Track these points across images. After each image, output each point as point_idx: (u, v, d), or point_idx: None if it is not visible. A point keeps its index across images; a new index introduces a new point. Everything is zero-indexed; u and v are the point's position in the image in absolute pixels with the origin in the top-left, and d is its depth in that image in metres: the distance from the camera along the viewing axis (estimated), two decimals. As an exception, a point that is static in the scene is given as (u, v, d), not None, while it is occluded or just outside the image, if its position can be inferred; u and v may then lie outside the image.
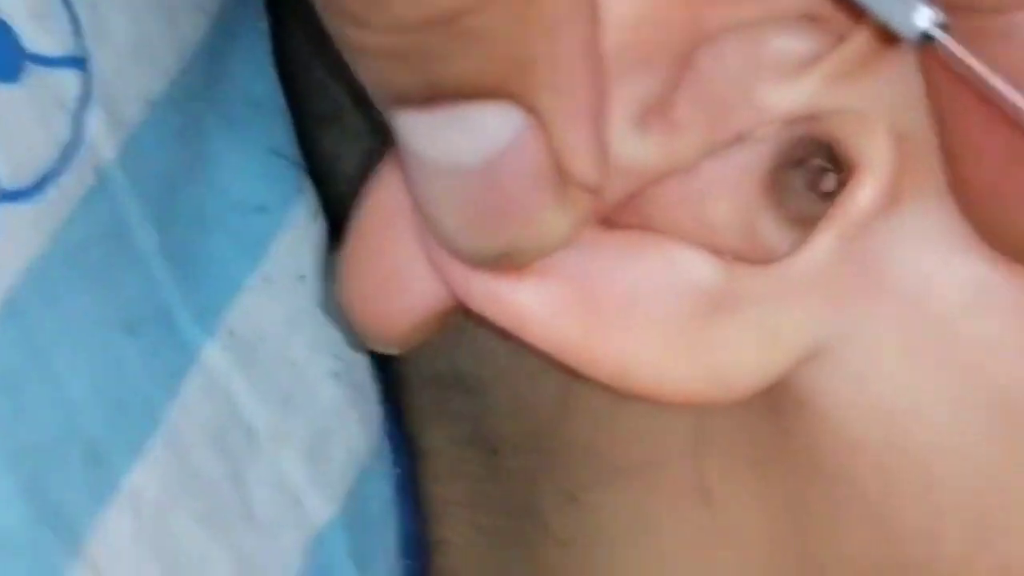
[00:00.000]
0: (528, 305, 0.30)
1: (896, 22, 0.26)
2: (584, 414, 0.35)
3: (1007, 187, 0.29)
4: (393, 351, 0.33)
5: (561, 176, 0.28)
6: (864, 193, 0.30)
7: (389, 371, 0.40)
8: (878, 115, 0.30)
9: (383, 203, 0.31)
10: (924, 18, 0.26)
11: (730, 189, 0.31)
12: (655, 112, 0.30)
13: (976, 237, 0.30)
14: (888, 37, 0.29)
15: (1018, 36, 0.27)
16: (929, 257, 0.31)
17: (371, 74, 0.28)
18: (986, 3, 0.27)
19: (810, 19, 0.30)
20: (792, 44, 0.30)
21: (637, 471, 0.35)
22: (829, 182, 0.31)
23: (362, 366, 0.39)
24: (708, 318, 0.31)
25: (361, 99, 0.30)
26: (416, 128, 0.28)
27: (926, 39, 0.26)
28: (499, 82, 0.27)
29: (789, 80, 0.30)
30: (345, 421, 0.38)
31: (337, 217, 0.38)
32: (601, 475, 0.35)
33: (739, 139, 0.30)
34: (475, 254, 0.30)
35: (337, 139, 0.38)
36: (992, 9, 0.27)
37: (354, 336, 0.34)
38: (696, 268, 0.31)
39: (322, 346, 0.38)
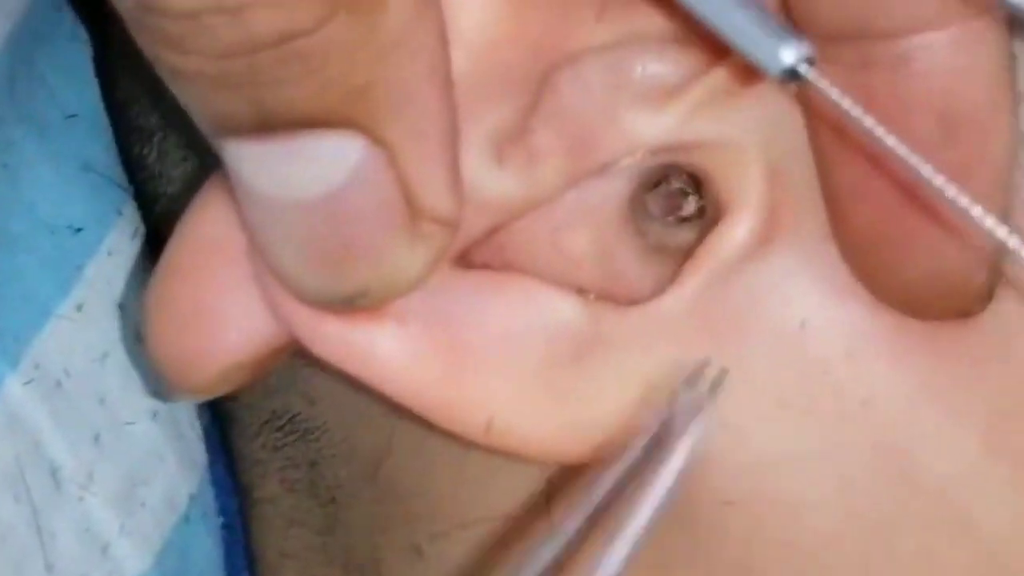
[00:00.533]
0: (384, 352, 0.28)
1: (761, 58, 0.24)
2: (430, 462, 0.33)
3: (890, 232, 0.27)
4: (193, 399, 0.30)
5: (412, 210, 0.26)
6: (736, 232, 0.28)
7: (218, 411, 0.37)
8: (752, 147, 0.28)
9: (200, 233, 0.29)
10: (790, 54, 0.24)
11: (588, 219, 0.29)
12: (513, 141, 0.28)
13: (856, 286, 0.29)
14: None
15: (915, 61, 0.26)
16: (805, 300, 0.29)
17: (194, 101, 0.25)
18: (877, 29, 0.25)
19: (677, 41, 0.28)
20: (658, 68, 0.28)
21: (486, 523, 0.33)
22: (689, 206, 0.29)
23: (185, 405, 0.36)
24: (572, 365, 0.29)
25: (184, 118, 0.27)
26: (248, 159, 0.26)
27: (793, 76, 0.24)
28: (337, 109, 0.25)
29: (655, 107, 0.28)
30: (163, 464, 0.35)
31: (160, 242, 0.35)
32: (448, 527, 0.33)
33: (603, 169, 0.28)
34: (321, 296, 0.27)
35: (162, 156, 0.36)
36: (884, 35, 0.25)
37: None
38: (558, 310, 0.29)
39: (138, 382, 0.35)
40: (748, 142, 0.28)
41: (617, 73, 0.28)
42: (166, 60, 0.24)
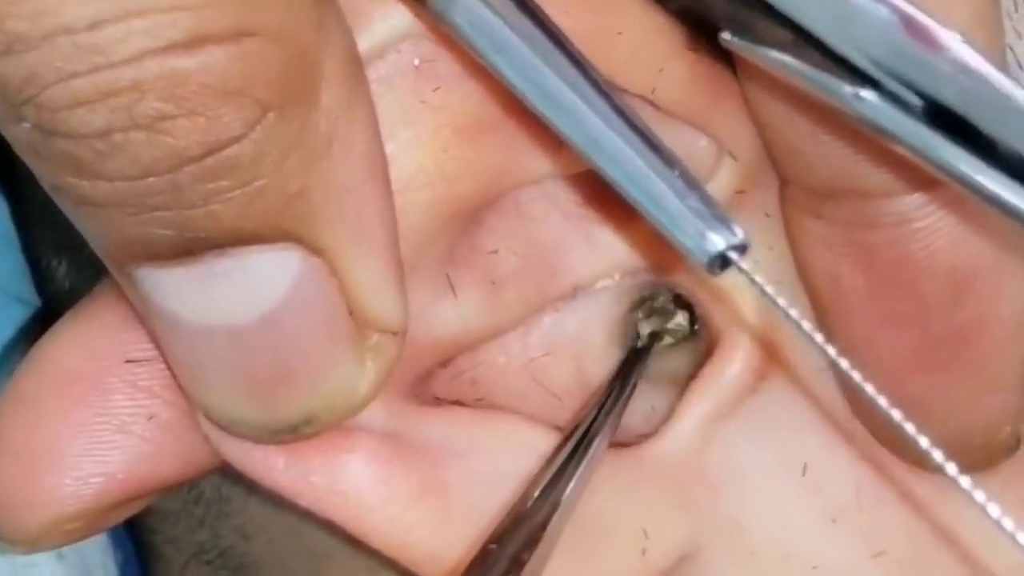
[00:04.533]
0: (354, 491, 0.26)
1: (688, 244, 0.21)
2: None
3: (907, 391, 0.25)
4: (24, 551, 0.27)
5: (356, 321, 0.24)
6: (732, 366, 0.27)
7: (139, 546, 0.35)
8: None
9: (48, 363, 0.26)
10: (719, 240, 0.21)
11: (568, 348, 0.27)
12: (469, 266, 0.26)
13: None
14: (750, 188, 0.26)
15: (916, 219, 0.24)
16: (806, 441, 0.27)
17: (101, 229, 0.23)
18: (874, 188, 0.24)
19: None
20: None
21: None
22: (678, 327, 0.28)
23: (95, 543, 0.33)
24: None
25: None
26: (167, 285, 0.23)
27: (724, 264, 0.21)
28: (271, 221, 0.22)
29: (630, 227, 0.26)
30: None
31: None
32: None
33: (575, 293, 0.27)
34: (259, 428, 0.25)
35: (74, 270, 0.34)
36: (882, 194, 0.24)
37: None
38: (544, 451, 0.27)
39: None
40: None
41: (587, 190, 0.26)
42: (70, 189, 0.22)
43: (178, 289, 0.23)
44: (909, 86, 0.20)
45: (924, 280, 0.24)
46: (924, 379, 0.25)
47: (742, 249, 0.21)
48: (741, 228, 0.21)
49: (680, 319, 0.28)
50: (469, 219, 0.26)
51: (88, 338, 0.26)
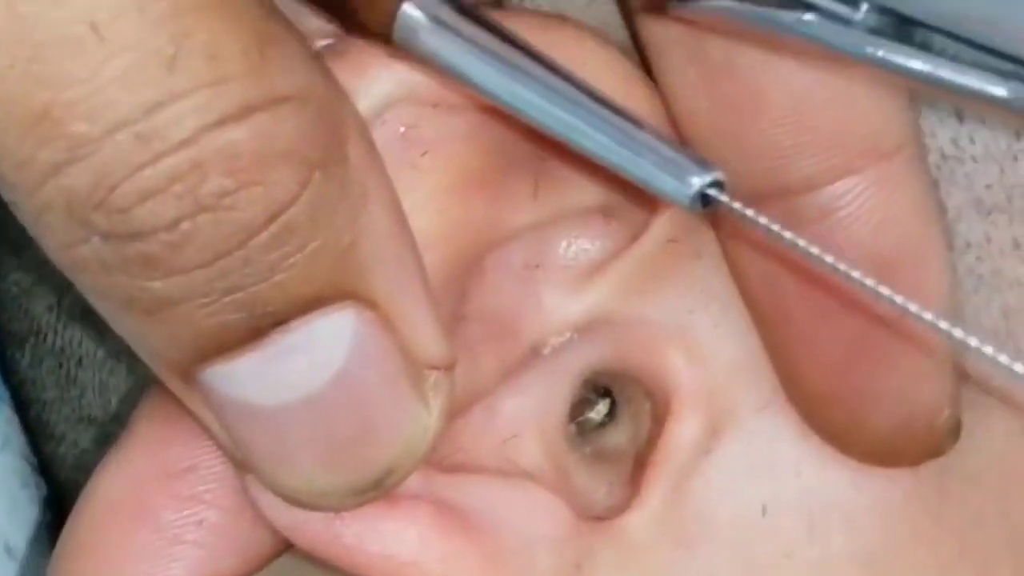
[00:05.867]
0: (417, 560, 0.26)
1: (668, 188, 0.23)
2: None
3: (851, 382, 0.26)
4: None
5: (415, 365, 0.25)
6: (683, 432, 0.27)
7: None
8: (675, 328, 0.27)
9: (103, 499, 0.27)
10: (699, 180, 0.23)
11: (536, 428, 0.28)
12: (451, 334, 0.26)
13: (806, 453, 0.28)
14: (682, 236, 0.27)
15: (838, 209, 0.25)
16: (762, 485, 0.28)
17: (172, 330, 0.23)
18: (794, 184, 0.25)
19: (604, 214, 0.27)
20: (584, 245, 0.27)
21: None
22: (599, 409, 0.28)
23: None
24: None
25: None
26: (240, 375, 0.24)
27: (705, 203, 0.23)
28: (329, 280, 0.23)
29: (577, 284, 0.27)
30: None
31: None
32: None
33: (533, 353, 0.27)
34: (348, 491, 0.25)
35: (33, 362, 0.34)
36: (803, 189, 0.25)
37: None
38: (555, 521, 0.27)
39: None
40: (671, 322, 0.27)
41: (540, 253, 0.27)
42: (145, 294, 0.23)
43: (250, 376, 0.24)
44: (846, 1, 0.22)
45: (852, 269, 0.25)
46: (863, 369, 0.26)
47: (720, 186, 0.23)
48: (716, 166, 0.23)
49: (601, 407, 0.29)
50: (454, 285, 0.27)
51: (131, 465, 0.27)
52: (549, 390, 0.28)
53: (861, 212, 0.25)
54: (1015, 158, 0.26)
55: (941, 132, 0.26)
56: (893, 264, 0.25)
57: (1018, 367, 0.21)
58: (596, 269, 0.27)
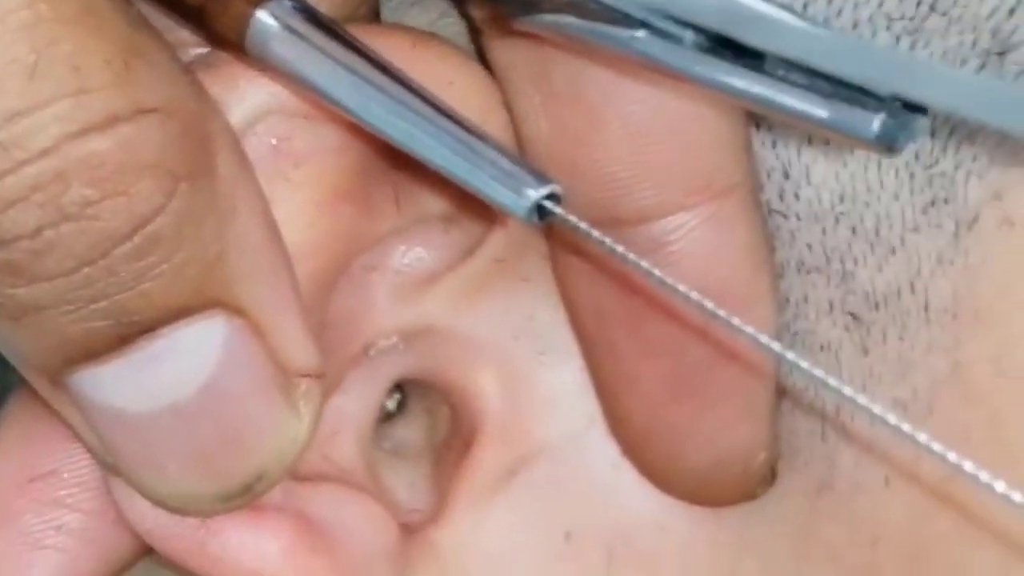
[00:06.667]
0: (274, 571, 0.27)
1: (505, 200, 0.23)
2: None
3: (666, 421, 0.27)
4: None
5: (285, 373, 0.25)
6: (485, 458, 0.28)
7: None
8: (491, 349, 0.28)
9: None
10: (535, 193, 0.23)
11: (352, 429, 0.28)
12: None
13: (617, 484, 0.28)
14: (512, 258, 0.27)
15: (669, 243, 0.25)
16: (566, 513, 0.28)
17: (37, 335, 0.24)
18: (627, 215, 0.25)
19: (445, 223, 0.28)
20: (418, 253, 0.28)
21: None
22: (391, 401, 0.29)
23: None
24: None
25: None
26: (107, 380, 0.24)
27: (542, 217, 0.23)
28: (197, 289, 0.24)
29: (410, 292, 0.28)
30: None
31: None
32: None
33: (364, 353, 0.28)
34: (217, 497, 0.26)
35: None
36: (636, 221, 0.25)
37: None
38: (387, 534, 0.28)
39: None
40: (493, 345, 0.28)
41: (378, 257, 0.27)
42: (9, 300, 0.23)
43: (117, 381, 0.24)
44: (674, 21, 0.22)
45: (676, 305, 0.26)
46: (681, 407, 0.27)
47: (557, 199, 0.23)
48: (554, 180, 0.23)
49: (390, 403, 0.29)
50: (328, 292, 0.27)
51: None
52: (367, 391, 0.28)
53: (692, 248, 0.25)
54: (836, 220, 0.26)
55: (768, 186, 0.27)
56: (720, 302, 0.25)
57: (837, 383, 0.21)
58: (428, 279, 0.28)
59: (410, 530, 0.28)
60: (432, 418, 0.29)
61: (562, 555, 0.28)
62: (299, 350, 0.25)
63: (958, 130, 0.25)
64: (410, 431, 0.29)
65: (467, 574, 0.28)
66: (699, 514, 0.28)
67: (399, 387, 0.29)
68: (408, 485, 0.28)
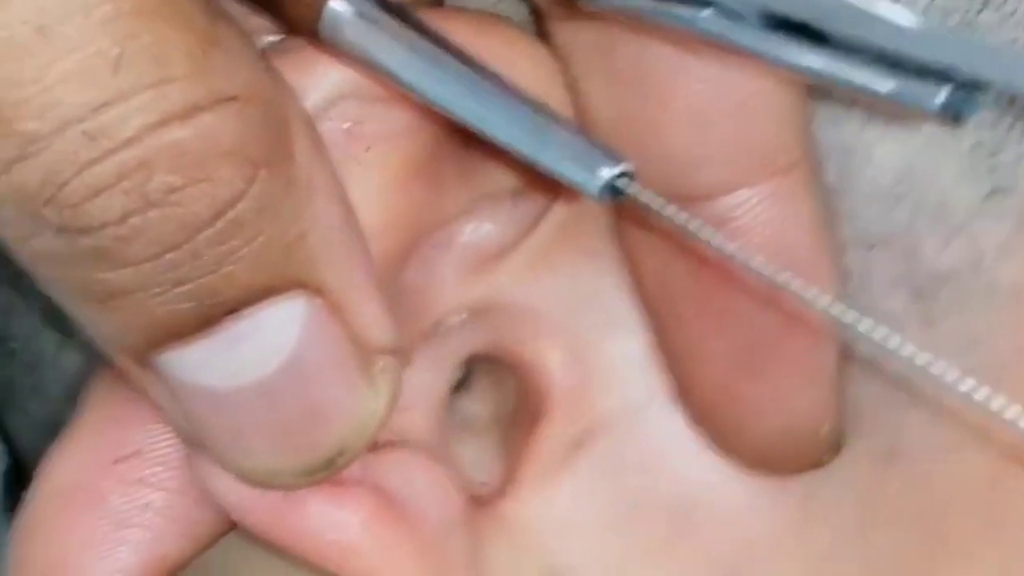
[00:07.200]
0: (360, 547, 0.27)
1: (578, 178, 0.24)
2: None
3: (738, 389, 0.27)
4: None
5: (364, 350, 0.26)
6: (557, 430, 0.29)
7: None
8: (559, 321, 0.28)
9: (57, 485, 0.28)
10: (608, 171, 0.24)
11: (424, 403, 0.29)
12: None
13: (682, 453, 0.29)
14: (577, 232, 0.28)
15: (734, 219, 0.26)
16: (632, 482, 0.29)
17: (126, 318, 0.24)
18: (692, 193, 0.26)
19: (514, 197, 0.28)
20: (488, 228, 0.28)
21: None
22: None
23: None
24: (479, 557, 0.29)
25: None
26: (194, 359, 0.25)
27: (615, 194, 0.24)
28: (277, 271, 0.24)
29: (478, 268, 0.28)
30: None
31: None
32: None
33: (434, 330, 0.28)
34: (301, 471, 0.26)
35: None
36: (700, 198, 0.26)
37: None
38: (457, 506, 0.28)
39: None
40: (559, 317, 0.28)
41: (449, 239, 0.28)
42: (97, 285, 0.24)
43: (203, 361, 0.25)
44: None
45: (745, 278, 0.26)
46: (750, 379, 0.27)
47: (629, 176, 0.24)
48: (626, 159, 0.24)
49: (458, 377, 0.30)
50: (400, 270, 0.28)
51: (79, 450, 0.28)
52: (438, 367, 0.29)
53: (755, 224, 0.26)
54: (898, 199, 0.27)
55: (830, 164, 0.27)
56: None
57: (911, 350, 0.21)
58: (496, 255, 0.28)
59: (479, 503, 0.29)
60: (499, 392, 0.29)
61: (628, 524, 0.29)
62: (377, 328, 0.26)
63: (1019, 123, 0.25)
64: (478, 405, 0.30)
65: (536, 546, 0.29)
66: (765, 483, 0.28)
67: (467, 361, 0.29)
68: (476, 459, 0.29)
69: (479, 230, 0.28)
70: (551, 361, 0.29)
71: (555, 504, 0.29)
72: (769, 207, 0.26)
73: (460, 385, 0.30)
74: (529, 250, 0.28)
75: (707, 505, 0.29)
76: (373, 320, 0.26)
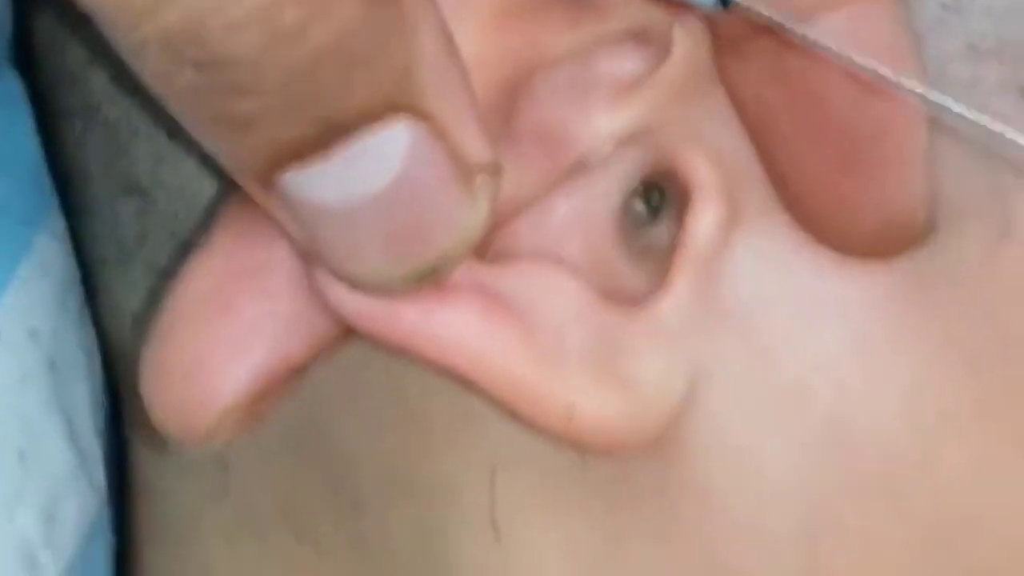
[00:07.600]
0: (473, 341, 0.30)
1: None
2: (364, 418, 0.35)
3: (838, 192, 0.30)
4: (198, 447, 0.32)
5: (464, 168, 0.28)
6: (703, 221, 0.31)
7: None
8: (699, 134, 0.31)
9: (191, 292, 0.31)
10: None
11: (581, 227, 0.32)
12: (501, 148, 0.30)
13: (799, 252, 0.32)
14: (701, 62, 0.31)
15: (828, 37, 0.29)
16: (768, 279, 0.32)
17: (254, 142, 0.27)
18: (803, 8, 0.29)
19: (637, 36, 0.31)
20: (621, 64, 0.31)
21: (426, 491, 0.34)
22: (652, 199, 0.32)
23: (90, 430, 0.37)
24: (611, 360, 0.31)
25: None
26: (311, 179, 0.28)
27: (725, 5, 0.28)
28: (387, 97, 0.27)
29: (618, 101, 0.31)
30: (76, 484, 0.36)
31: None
32: (386, 490, 0.35)
33: (580, 166, 0.31)
34: (409, 277, 0.29)
35: (81, 139, 0.36)
36: (803, 18, 0.28)
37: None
38: (591, 306, 0.31)
39: (55, 406, 0.36)
40: (697, 133, 0.31)
41: (584, 73, 0.31)
42: (231, 115, 0.26)
43: (321, 178, 0.27)
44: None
45: (831, 88, 0.29)
46: (849, 180, 0.30)
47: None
48: None
49: (655, 196, 0.32)
50: (496, 105, 0.30)
51: (213, 264, 0.31)
52: (596, 194, 0.31)
53: (844, 45, 0.28)
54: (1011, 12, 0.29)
55: None
56: (868, 83, 0.29)
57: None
58: (633, 86, 0.31)
59: (632, 302, 0.31)
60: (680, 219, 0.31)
61: (767, 321, 0.32)
62: (476, 148, 0.28)
63: None
64: (661, 233, 0.32)
65: (687, 343, 0.31)
66: (873, 267, 0.32)
67: (654, 191, 0.32)
68: (646, 279, 0.32)
69: (613, 69, 0.31)
70: (695, 165, 0.31)
71: (707, 300, 0.31)
72: (852, 30, 0.28)
73: (648, 215, 0.32)
74: (663, 80, 0.31)
75: (830, 297, 0.32)
76: (472, 141, 0.28)
